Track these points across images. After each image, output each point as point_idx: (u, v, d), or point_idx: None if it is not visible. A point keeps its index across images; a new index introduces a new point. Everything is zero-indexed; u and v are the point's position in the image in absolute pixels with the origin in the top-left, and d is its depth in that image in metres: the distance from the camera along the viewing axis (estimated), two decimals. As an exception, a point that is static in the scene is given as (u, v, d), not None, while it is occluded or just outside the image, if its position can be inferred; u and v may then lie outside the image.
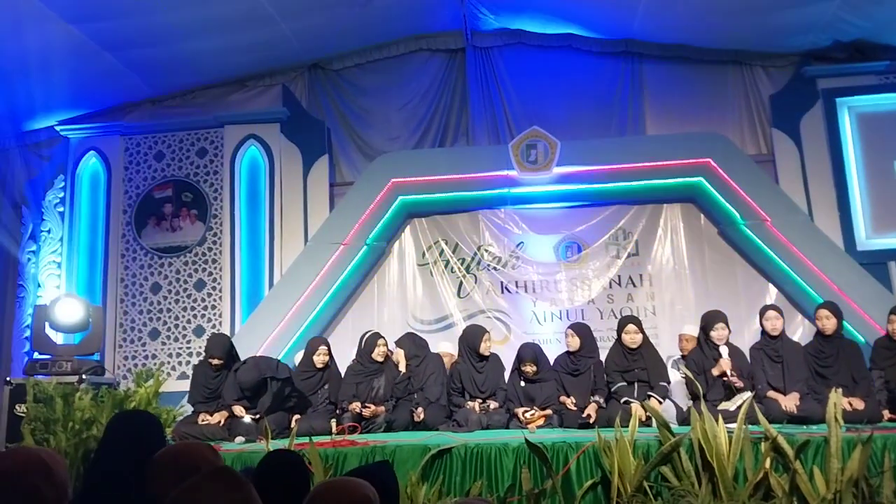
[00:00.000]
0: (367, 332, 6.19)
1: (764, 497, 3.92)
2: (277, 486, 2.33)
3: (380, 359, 5.92)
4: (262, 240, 8.02)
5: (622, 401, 5.40)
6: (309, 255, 7.62)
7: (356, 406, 5.57)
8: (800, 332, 7.30)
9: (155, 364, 7.64)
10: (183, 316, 7.97)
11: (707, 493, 3.91)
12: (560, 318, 7.69)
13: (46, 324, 6.56)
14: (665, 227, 7.90)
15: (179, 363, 7.86)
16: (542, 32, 8.37)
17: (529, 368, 5.65)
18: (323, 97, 8.64)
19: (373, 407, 5.62)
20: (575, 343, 5.79)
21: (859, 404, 5.04)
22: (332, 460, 4.35)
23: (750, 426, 4.19)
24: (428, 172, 7.68)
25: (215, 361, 5.94)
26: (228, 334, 7.09)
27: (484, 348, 5.87)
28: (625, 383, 5.59)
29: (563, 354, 5.89)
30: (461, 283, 7.94)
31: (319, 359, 6.05)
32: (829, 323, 5.50)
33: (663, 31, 8.01)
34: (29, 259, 8.30)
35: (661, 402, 5.32)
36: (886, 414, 5.16)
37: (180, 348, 7.91)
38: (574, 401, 5.50)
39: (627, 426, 4.30)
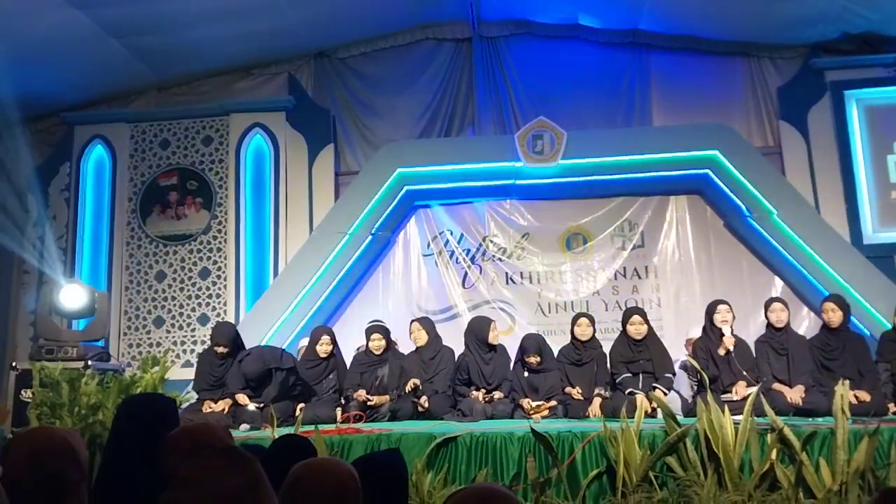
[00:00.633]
0: (369, 324, 6.20)
1: (769, 488, 3.91)
2: (287, 468, 2.32)
3: (377, 352, 5.90)
4: (267, 229, 8.02)
5: (627, 392, 5.40)
6: (314, 244, 7.62)
7: (361, 394, 5.57)
8: (805, 324, 7.29)
9: (159, 352, 7.64)
10: (187, 304, 7.98)
11: (713, 484, 3.90)
12: (565, 310, 7.68)
13: (51, 310, 6.57)
14: (671, 220, 7.89)
15: (184, 351, 7.87)
16: (550, 23, 8.34)
17: (533, 359, 5.64)
18: (328, 86, 8.62)
19: (376, 397, 5.62)
20: (589, 332, 5.79)
21: (865, 397, 5.03)
22: (337, 448, 4.35)
23: (756, 418, 4.17)
24: (433, 162, 7.67)
25: (220, 349, 5.94)
26: (233, 323, 7.09)
27: (492, 337, 5.86)
28: (630, 374, 5.58)
29: (569, 345, 5.88)
30: (466, 273, 7.93)
31: (323, 348, 6.03)
32: (835, 316, 5.48)
33: (671, 21, 7.98)
34: (34, 246, 8.30)
35: (665, 394, 5.31)
36: (892, 407, 5.16)
37: (185, 336, 7.92)
38: (580, 390, 5.49)
39: (633, 417, 4.29)
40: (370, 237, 7.62)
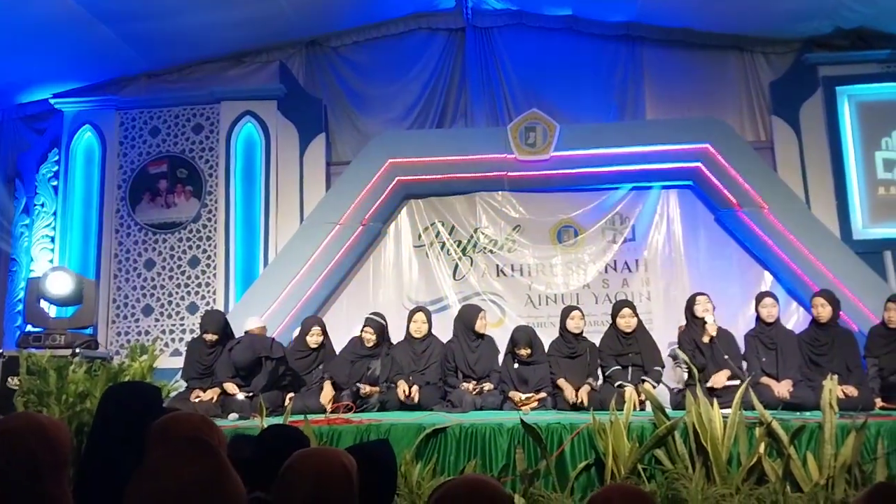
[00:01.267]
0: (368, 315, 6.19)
1: (757, 482, 3.93)
2: (278, 458, 2.31)
3: (367, 345, 5.87)
4: (258, 218, 7.98)
5: (616, 385, 5.41)
6: (304, 234, 7.59)
7: (366, 388, 5.57)
8: (794, 319, 7.32)
9: (148, 340, 7.60)
10: (177, 293, 7.94)
11: (701, 477, 3.91)
12: (555, 302, 7.68)
13: (39, 297, 6.52)
14: (662, 213, 7.89)
15: (172, 340, 7.83)
16: (543, 14, 8.31)
17: (524, 351, 5.64)
18: (320, 75, 8.57)
19: (368, 388, 5.61)
20: (581, 325, 5.81)
21: (853, 392, 5.06)
22: (326, 438, 4.34)
23: (745, 411, 4.19)
24: (425, 153, 7.64)
25: (210, 337, 5.92)
26: (222, 311, 7.06)
27: (480, 326, 5.86)
28: (619, 367, 5.61)
29: (559, 338, 5.88)
30: (457, 265, 7.92)
31: (313, 339, 6.02)
32: (824, 311, 5.52)
33: (665, 14, 7.97)
34: (22, 233, 8.25)
35: (654, 387, 5.34)
36: (879, 402, 5.19)
37: (173, 325, 7.89)
38: (573, 392, 5.42)
39: (622, 409, 4.29)
40: (361, 228, 7.60)
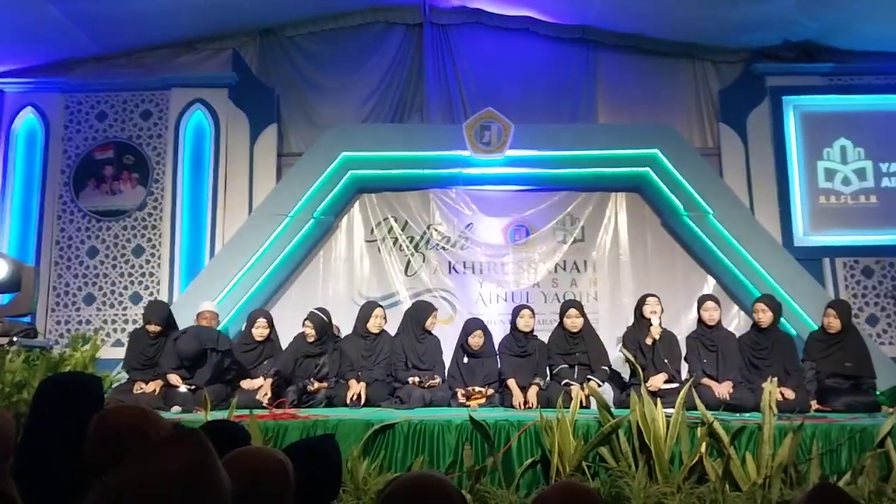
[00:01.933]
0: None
1: (698, 481, 4.01)
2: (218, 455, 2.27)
3: (309, 340, 5.78)
4: (205, 208, 7.85)
5: (563, 383, 5.47)
6: (253, 225, 7.49)
7: (316, 385, 5.51)
8: (735, 322, 7.51)
9: (89, 330, 7.41)
10: (120, 282, 7.76)
11: (643, 475, 3.98)
12: (506, 300, 7.75)
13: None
14: (611, 216, 8.02)
15: (114, 330, 7.66)
16: (501, 13, 8.34)
17: (478, 339, 5.68)
18: (274, 64, 8.46)
19: (317, 384, 5.55)
20: (531, 324, 5.84)
21: (790, 394, 5.20)
22: (272, 433, 4.29)
23: (687, 411, 4.27)
24: (380, 147, 7.61)
25: (152, 328, 5.79)
26: (166, 302, 6.92)
27: (430, 324, 5.87)
28: (566, 366, 5.66)
29: (510, 336, 5.91)
30: (409, 261, 7.91)
31: (259, 332, 5.92)
32: (765, 316, 5.65)
33: (619, 19, 8.08)
34: (-43, 216, 7.96)
35: (600, 386, 5.41)
36: (814, 404, 5.35)
37: (116, 315, 7.71)
38: (522, 399, 5.42)
39: (568, 407, 4.34)
40: (312, 221, 7.53)
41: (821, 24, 7.57)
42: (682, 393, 4.31)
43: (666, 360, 5.49)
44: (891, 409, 5.06)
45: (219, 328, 6.17)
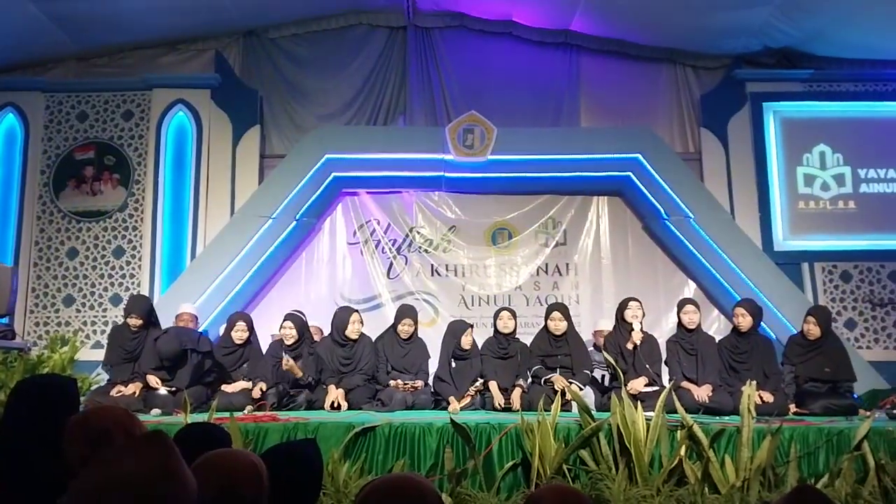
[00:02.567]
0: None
1: (677, 483, 4.03)
2: (194, 457, 2.25)
3: (288, 342, 5.76)
4: (186, 209, 7.80)
5: (543, 379, 5.49)
6: (235, 227, 7.45)
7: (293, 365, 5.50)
8: (715, 326, 7.57)
9: (69, 331, 7.35)
10: (100, 283, 7.70)
11: (623, 478, 3.99)
12: (488, 303, 7.76)
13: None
14: (593, 219, 8.06)
15: (94, 332, 7.59)
16: (484, 17, 8.37)
17: (469, 338, 5.73)
18: (257, 66, 8.43)
19: (290, 361, 5.52)
20: (511, 325, 5.86)
21: (769, 398, 5.25)
22: (252, 435, 4.27)
23: (667, 414, 4.30)
24: (363, 150, 7.59)
25: (134, 321, 5.70)
26: (148, 297, 6.85)
27: (402, 332, 5.84)
28: (543, 367, 5.68)
29: (492, 338, 5.92)
30: (391, 263, 7.91)
31: (238, 335, 5.88)
32: (744, 320, 5.69)
33: (602, 24, 8.13)
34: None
35: (581, 389, 5.42)
36: (793, 407, 5.39)
37: (95, 316, 7.64)
38: (502, 401, 5.44)
39: (549, 410, 4.35)
40: (294, 223, 7.50)
41: (801, 31, 7.65)
42: (662, 396, 4.33)
43: (647, 365, 5.52)
44: (867, 413, 5.12)
45: (198, 330, 6.13)
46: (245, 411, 5.15)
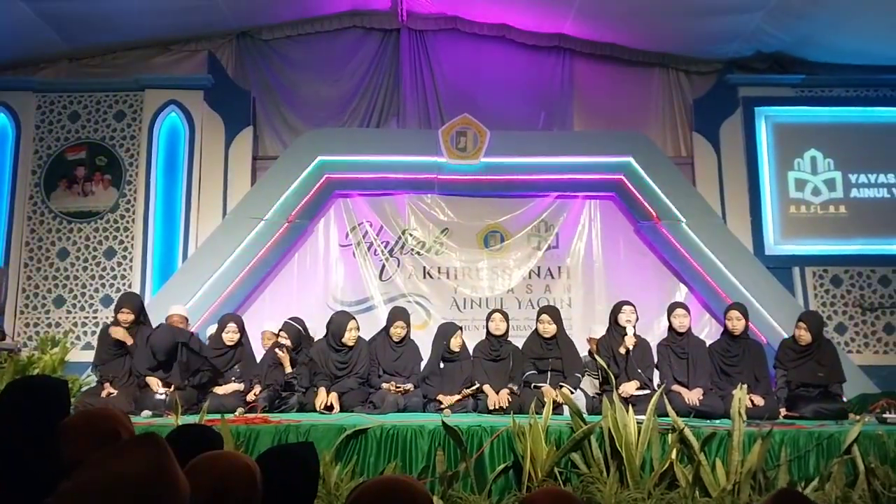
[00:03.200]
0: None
1: (668, 486, 4.04)
2: (187, 459, 2.24)
3: (280, 349, 5.73)
4: (178, 210, 7.78)
5: (533, 385, 5.50)
6: (227, 228, 7.44)
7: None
8: (707, 330, 7.58)
9: (59, 333, 7.31)
10: (91, 284, 7.67)
11: (615, 481, 4.00)
12: (480, 306, 7.77)
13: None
14: (584, 222, 8.08)
15: (85, 333, 7.55)
16: (478, 20, 8.38)
17: (459, 340, 5.75)
18: (250, 67, 8.43)
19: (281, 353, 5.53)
20: (503, 327, 5.86)
21: (760, 401, 5.27)
22: (243, 438, 4.26)
23: (659, 418, 4.31)
24: (356, 152, 7.59)
25: (125, 316, 5.67)
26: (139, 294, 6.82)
27: (395, 334, 5.83)
28: (535, 371, 5.68)
29: (484, 341, 5.93)
30: (384, 265, 7.90)
31: (229, 336, 5.87)
32: (739, 324, 5.71)
33: (595, 29, 8.15)
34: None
35: (572, 392, 5.42)
36: (783, 411, 5.42)
37: (86, 317, 7.60)
38: (497, 400, 5.44)
39: (541, 413, 4.36)
40: (287, 224, 7.49)
41: (792, 36, 7.69)
42: (653, 399, 4.34)
43: (640, 370, 5.52)
44: (857, 417, 5.14)
45: (189, 331, 6.10)
46: (236, 413, 5.14)
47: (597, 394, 5.67)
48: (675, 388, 5.44)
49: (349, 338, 5.70)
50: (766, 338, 6.98)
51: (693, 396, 5.28)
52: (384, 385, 5.53)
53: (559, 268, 8.00)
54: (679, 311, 5.80)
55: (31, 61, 8.04)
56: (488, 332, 5.89)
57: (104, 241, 7.75)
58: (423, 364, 5.88)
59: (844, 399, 5.74)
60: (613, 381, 5.01)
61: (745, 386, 4.43)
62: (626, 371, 5.55)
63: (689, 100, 8.42)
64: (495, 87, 8.36)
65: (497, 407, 5.32)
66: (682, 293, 7.82)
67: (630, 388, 5.38)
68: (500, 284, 7.93)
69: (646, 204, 7.58)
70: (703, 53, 8.30)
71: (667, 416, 4.33)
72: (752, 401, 5.19)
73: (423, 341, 6.12)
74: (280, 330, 5.85)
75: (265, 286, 7.80)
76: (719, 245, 7.43)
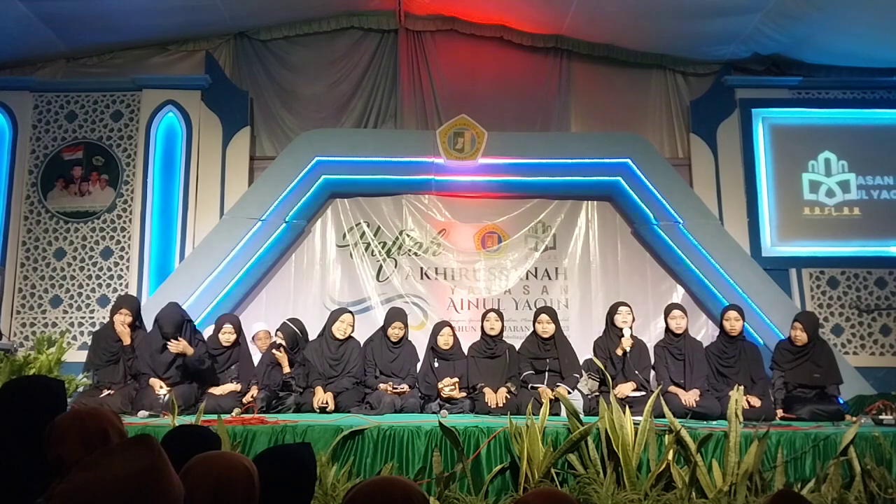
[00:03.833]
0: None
1: (665, 488, 4.05)
2: (183, 460, 2.24)
3: (278, 349, 5.73)
4: (175, 210, 7.76)
5: (530, 386, 5.50)
6: (224, 228, 7.42)
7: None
8: (704, 331, 7.59)
9: (55, 333, 7.29)
10: (87, 284, 7.65)
11: (611, 482, 4.01)
12: (477, 307, 7.76)
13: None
14: (582, 224, 8.08)
15: (81, 333, 7.54)
16: (476, 21, 8.38)
17: (447, 337, 5.76)
18: (248, 68, 8.42)
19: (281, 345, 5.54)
20: (497, 327, 5.86)
21: (756, 403, 5.28)
22: (240, 438, 4.26)
23: (655, 419, 4.31)
24: (353, 152, 7.58)
25: (123, 317, 5.64)
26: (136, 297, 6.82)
27: (392, 335, 5.83)
28: (532, 372, 5.69)
29: (480, 340, 5.94)
30: (381, 266, 7.90)
31: (225, 337, 5.87)
32: (737, 325, 5.73)
33: (593, 30, 8.15)
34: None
35: (569, 392, 5.43)
36: (780, 412, 5.43)
37: (83, 318, 7.59)
38: (495, 401, 5.44)
39: (538, 414, 4.36)
40: (284, 225, 7.49)
41: (790, 38, 7.69)
42: (650, 401, 4.35)
43: (636, 371, 5.53)
44: (854, 418, 5.15)
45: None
46: (233, 414, 5.13)
47: (594, 395, 5.67)
48: (672, 389, 5.45)
49: (338, 328, 5.73)
50: (763, 339, 6.99)
51: (690, 398, 5.29)
52: (381, 386, 5.53)
53: (556, 269, 8.00)
54: (675, 311, 5.81)
55: (29, 61, 8.02)
56: (483, 332, 5.90)
57: (101, 241, 7.73)
58: (419, 365, 5.89)
59: (841, 400, 5.74)
60: (610, 382, 5.01)
61: (741, 387, 4.44)
62: (622, 372, 5.56)
63: (687, 101, 8.43)
64: (493, 88, 8.35)
65: (497, 406, 5.32)
66: (678, 294, 7.82)
67: (627, 389, 5.40)
68: (497, 285, 7.93)
69: (643, 205, 7.59)
70: (700, 55, 8.31)
71: (663, 417, 4.34)
72: (748, 402, 5.21)
73: (421, 342, 6.15)
74: (277, 330, 5.85)
75: (262, 287, 7.79)
76: (716, 246, 7.43)
